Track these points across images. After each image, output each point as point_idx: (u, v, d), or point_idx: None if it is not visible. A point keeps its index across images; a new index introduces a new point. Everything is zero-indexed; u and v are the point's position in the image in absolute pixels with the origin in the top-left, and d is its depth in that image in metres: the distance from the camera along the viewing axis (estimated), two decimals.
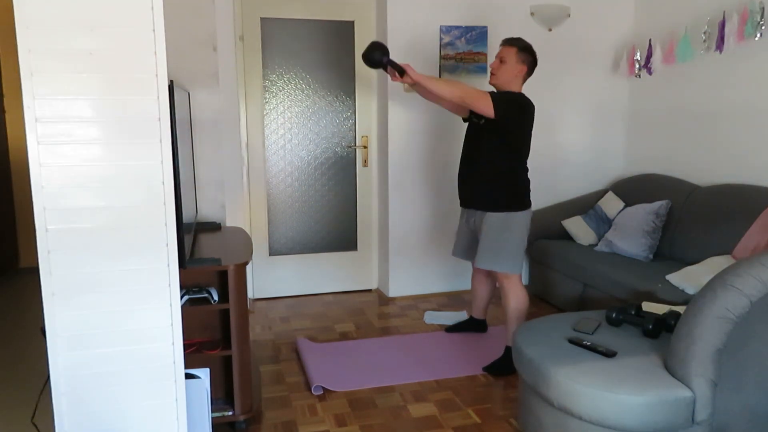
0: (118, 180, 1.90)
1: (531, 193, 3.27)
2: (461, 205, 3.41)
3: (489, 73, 3.27)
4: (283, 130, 4.35)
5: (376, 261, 4.68)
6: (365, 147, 4.51)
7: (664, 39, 4.19)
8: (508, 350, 3.21)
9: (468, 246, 3.44)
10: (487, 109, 3.02)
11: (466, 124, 3.39)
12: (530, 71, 3.20)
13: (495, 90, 3.23)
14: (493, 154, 3.15)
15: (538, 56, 4.52)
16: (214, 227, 3.21)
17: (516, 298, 3.19)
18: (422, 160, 4.36)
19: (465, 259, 3.51)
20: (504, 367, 3.17)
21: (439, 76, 4.28)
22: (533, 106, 3.15)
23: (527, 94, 3.19)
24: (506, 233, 3.16)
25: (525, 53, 3.16)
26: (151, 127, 1.90)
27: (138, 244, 1.94)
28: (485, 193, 3.21)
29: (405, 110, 4.29)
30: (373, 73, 4.44)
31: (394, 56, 4.19)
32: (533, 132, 3.21)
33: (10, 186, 5.12)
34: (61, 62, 1.80)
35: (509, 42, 3.19)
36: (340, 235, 4.60)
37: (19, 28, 1.76)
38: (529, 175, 3.26)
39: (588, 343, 2.34)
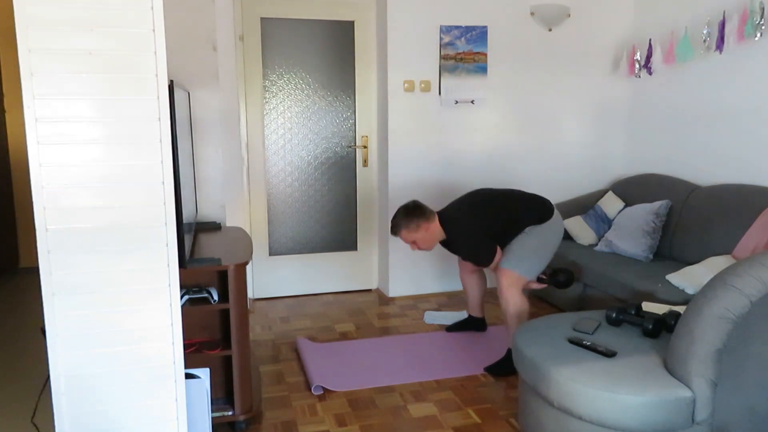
0: (118, 180, 1.90)
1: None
2: None
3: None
4: (283, 130, 4.35)
5: (376, 261, 4.68)
6: (365, 147, 4.51)
7: (664, 39, 4.19)
8: (509, 352, 3.21)
9: None
10: (497, 257, 3.20)
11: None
12: (432, 216, 3.18)
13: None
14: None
15: (538, 56, 4.54)
16: (214, 227, 3.21)
17: (515, 302, 3.14)
18: (422, 159, 4.36)
19: None
20: (505, 368, 3.16)
21: (439, 77, 4.29)
22: (465, 219, 3.18)
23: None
24: (534, 238, 3.17)
25: (417, 220, 3.15)
26: (151, 127, 1.90)
27: (138, 244, 1.94)
28: (513, 237, 3.23)
29: (405, 110, 4.29)
30: (372, 72, 4.44)
31: (393, 55, 4.21)
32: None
33: (11, 186, 5.12)
34: (61, 62, 1.80)
35: (398, 230, 3.18)
36: (340, 235, 4.60)
37: (19, 28, 1.76)
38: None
39: (588, 343, 2.34)
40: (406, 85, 4.25)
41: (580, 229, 4.28)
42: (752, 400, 2.10)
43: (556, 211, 3.27)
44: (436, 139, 4.35)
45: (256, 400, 2.72)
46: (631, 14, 4.57)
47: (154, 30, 1.86)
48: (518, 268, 3.13)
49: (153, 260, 1.96)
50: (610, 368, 2.18)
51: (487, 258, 3.20)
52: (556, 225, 3.24)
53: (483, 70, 4.35)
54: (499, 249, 3.19)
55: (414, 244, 3.21)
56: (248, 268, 4.18)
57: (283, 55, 4.28)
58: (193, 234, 2.80)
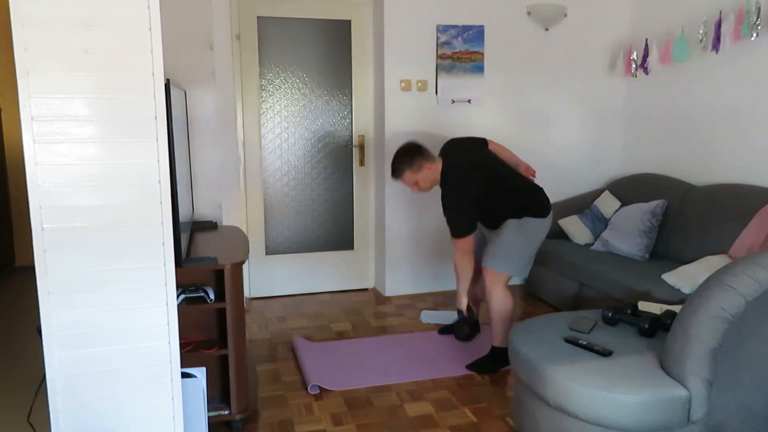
0: (114, 179, 1.89)
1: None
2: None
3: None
4: (280, 129, 4.35)
5: (373, 260, 4.68)
6: (362, 146, 4.51)
7: (660, 39, 4.20)
8: (493, 350, 3.21)
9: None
10: (467, 241, 3.12)
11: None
12: (431, 156, 3.17)
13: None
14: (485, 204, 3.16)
15: (534, 56, 4.54)
16: (211, 226, 3.21)
17: (499, 300, 3.16)
18: None
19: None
20: (487, 366, 3.17)
21: (436, 76, 4.29)
22: (465, 173, 3.12)
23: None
24: (520, 236, 3.14)
25: (418, 160, 3.13)
26: (148, 126, 1.90)
27: (134, 243, 1.93)
28: (501, 218, 3.20)
29: (402, 109, 4.29)
30: (369, 71, 4.44)
31: (390, 54, 4.21)
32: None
33: (6, 184, 5.10)
34: (57, 61, 1.80)
35: (399, 173, 3.17)
36: (336, 234, 4.59)
37: (15, 26, 1.75)
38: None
39: (584, 342, 2.34)
40: (402, 84, 4.25)
41: (577, 228, 4.28)
42: (748, 399, 2.11)
43: (551, 211, 3.26)
44: (432, 138, 4.34)
45: (252, 399, 2.72)
46: (628, 14, 4.58)
47: (150, 28, 1.86)
48: (503, 268, 3.14)
49: (149, 259, 1.95)
50: (606, 367, 2.18)
51: (458, 230, 3.11)
52: (546, 222, 3.22)
53: (480, 69, 4.35)
54: (468, 240, 3.10)
55: (416, 185, 3.17)
56: (245, 267, 4.17)
57: (280, 54, 4.27)
58: (189, 233, 2.80)
